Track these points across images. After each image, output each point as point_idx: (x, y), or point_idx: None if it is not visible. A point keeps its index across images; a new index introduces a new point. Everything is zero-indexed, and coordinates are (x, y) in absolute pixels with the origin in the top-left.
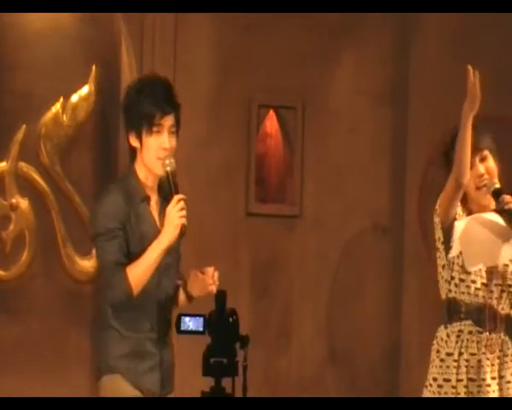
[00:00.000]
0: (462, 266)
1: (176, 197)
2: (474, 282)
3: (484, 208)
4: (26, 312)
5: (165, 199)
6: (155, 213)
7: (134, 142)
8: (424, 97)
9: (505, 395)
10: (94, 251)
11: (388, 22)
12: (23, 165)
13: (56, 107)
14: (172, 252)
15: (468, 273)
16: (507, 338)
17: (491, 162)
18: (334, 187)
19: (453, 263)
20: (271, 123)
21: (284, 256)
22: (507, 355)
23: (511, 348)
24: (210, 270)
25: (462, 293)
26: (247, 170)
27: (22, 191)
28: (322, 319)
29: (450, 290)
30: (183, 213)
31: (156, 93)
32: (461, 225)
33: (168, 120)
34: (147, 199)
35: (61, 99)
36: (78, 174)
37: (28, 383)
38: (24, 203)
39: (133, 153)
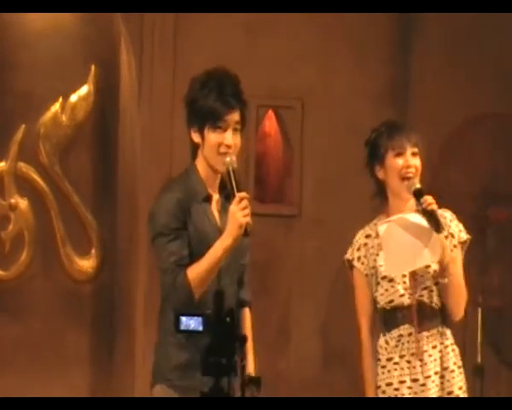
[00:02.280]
0: (384, 279)
1: (238, 195)
2: (402, 296)
3: (402, 203)
4: (26, 312)
5: (226, 198)
6: (216, 213)
7: (196, 137)
8: (424, 97)
9: (450, 384)
10: (93, 251)
11: (388, 22)
12: (22, 165)
13: (55, 107)
14: (235, 252)
15: (392, 284)
16: (445, 329)
17: (419, 161)
18: (333, 187)
19: (377, 276)
20: (271, 123)
21: (283, 256)
22: (447, 346)
23: (450, 338)
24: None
25: (392, 301)
26: (246, 170)
27: (21, 191)
28: (322, 318)
29: (381, 301)
30: (247, 211)
31: (222, 87)
32: (383, 228)
33: (233, 116)
34: (209, 198)
35: (61, 99)
36: (77, 174)
37: (28, 382)
38: (23, 203)
39: (194, 149)
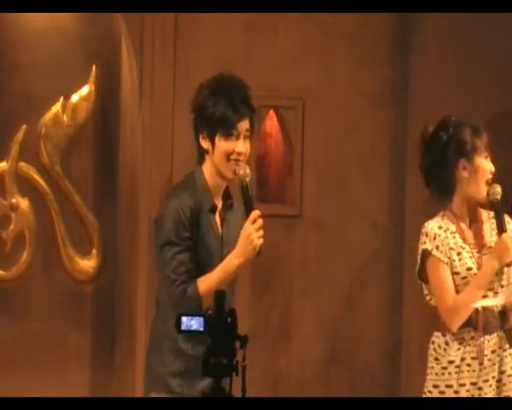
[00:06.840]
0: (457, 275)
1: (254, 213)
2: None
3: (469, 205)
4: (26, 312)
5: (229, 207)
6: (218, 222)
7: (205, 144)
8: (424, 97)
9: (507, 388)
10: (94, 251)
11: (388, 22)
12: (23, 165)
13: (56, 107)
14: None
15: (466, 282)
16: (503, 334)
17: None
18: (334, 187)
19: (451, 269)
20: (271, 123)
21: (284, 256)
22: (505, 350)
23: (508, 343)
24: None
25: None
26: None
27: (22, 191)
28: (323, 319)
29: None
30: (262, 232)
31: (232, 94)
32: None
33: (244, 124)
34: (214, 209)
35: (62, 99)
36: (78, 174)
37: (28, 382)
38: (24, 203)
39: (202, 154)
